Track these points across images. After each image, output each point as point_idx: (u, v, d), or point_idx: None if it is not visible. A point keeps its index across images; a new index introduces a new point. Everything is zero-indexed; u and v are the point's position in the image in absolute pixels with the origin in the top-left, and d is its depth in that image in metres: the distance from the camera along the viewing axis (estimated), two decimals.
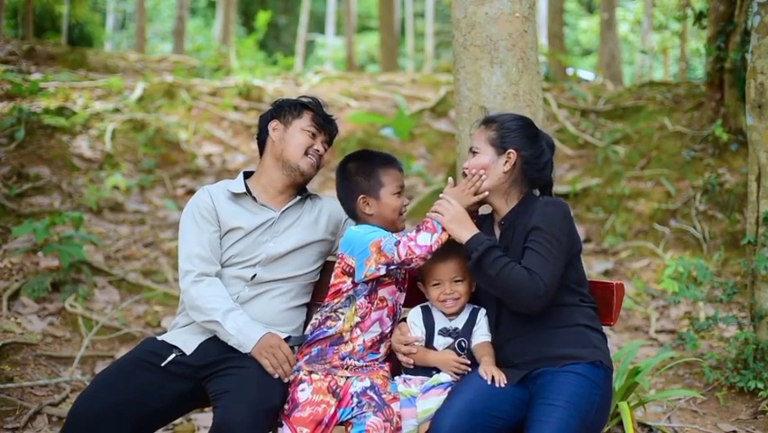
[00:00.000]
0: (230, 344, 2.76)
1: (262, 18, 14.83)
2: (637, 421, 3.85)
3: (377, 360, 2.80)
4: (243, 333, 2.75)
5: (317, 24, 27.74)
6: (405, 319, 2.85)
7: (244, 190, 2.97)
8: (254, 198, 2.97)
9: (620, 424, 3.63)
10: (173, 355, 2.79)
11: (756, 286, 4.11)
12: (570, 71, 13.86)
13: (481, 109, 3.53)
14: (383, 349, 2.82)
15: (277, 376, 2.69)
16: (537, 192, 2.87)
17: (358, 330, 2.75)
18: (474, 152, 2.80)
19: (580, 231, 7.18)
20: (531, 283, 2.56)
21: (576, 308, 2.72)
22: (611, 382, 2.72)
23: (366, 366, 2.77)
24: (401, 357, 2.76)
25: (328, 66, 21.17)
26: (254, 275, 2.89)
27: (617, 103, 9.40)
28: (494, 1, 3.48)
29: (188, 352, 2.80)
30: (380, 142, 9.60)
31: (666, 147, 7.76)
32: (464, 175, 2.83)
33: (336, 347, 2.75)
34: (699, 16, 7.48)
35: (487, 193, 2.77)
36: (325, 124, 3.03)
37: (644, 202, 7.17)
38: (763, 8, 4.04)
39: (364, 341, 2.76)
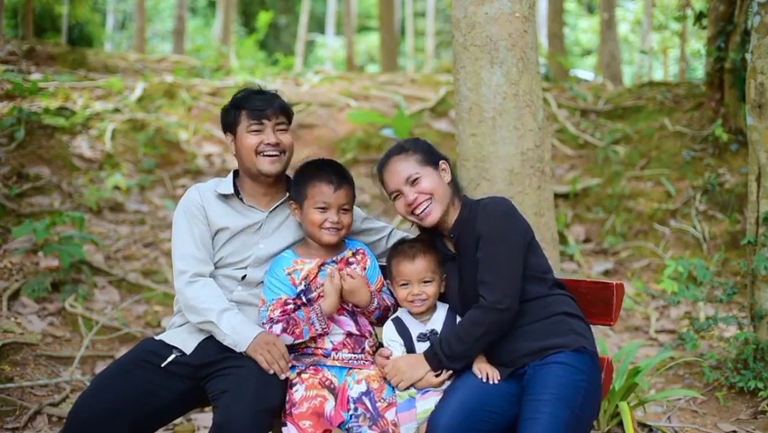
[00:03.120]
0: (225, 343, 2.76)
1: (263, 18, 14.84)
2: (637, 421, 3.85)
3: (363, 357, 2.81)
4: (238, 332, 2.74)
5: (317, 24, 27.74)
6: (382, 344, 2.84)
7: (232, 191, 2.95)
8: (242, 199, 2.95)
9: (620, 424, 3.64)
10: (173, 356, 2.79)
11: (756, 286, 4.11)
12: (570, 71, 13.85)
13: (481, 109, 3.53)
14: (367, 346, 2.83)
15: (272, 372, 2.69)
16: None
17: (318, 337, 2.78)
18: (415, 180, 2.75)
19: (581, 231, 7.17)
20: (483, 309, 2.61)
21: (550, 297, 2.73)
22: (598, 366, 2.71)
23: (355, 359, 2.79)
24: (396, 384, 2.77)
25: (328, 66, 21.18)
26: (245, 276, 2.90)
27: (617, 103, 9.40)
28: (494, 1, 3.48)
29: (188, 351, 2.80)
30: (380, 142, 9.60)
31: (666, 147, 7.76)
32: (413, 209, 2.78)
33: (312, 349, 2.79)
34: (699, 16, 7.48)
35: None
36: (264, 109, 2.88)
37: (644, 202, 7.16)
38: (763, 8, 4.04)
39: (332, 342, 2.78)
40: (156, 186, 8.11)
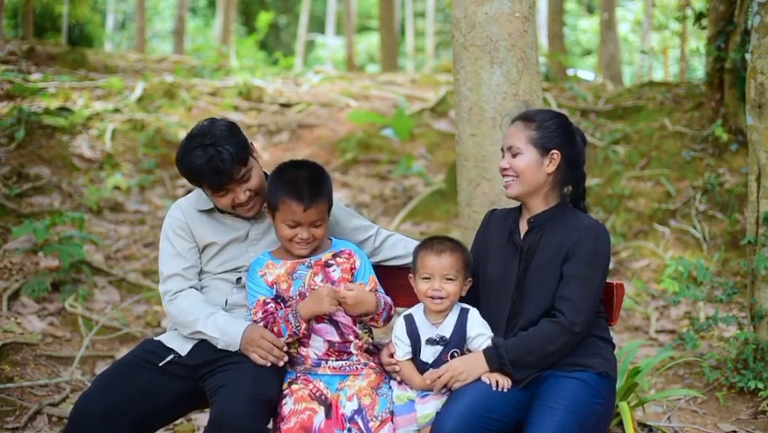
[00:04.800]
0: (219, 347, 2.76)
1: (264, 19, 14.85)
2: (637, 421, 3.85)
3: (354, 362, 2.76)
4: (227, 333, 2.74)
5: (317, 24, 27.72)
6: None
7: (212, 206, 2.91)
8: (223, 211, 2.91)
9: (620, 424, 3.63)
10: (171, 356, 2.80)
11: (756, 286, 4.10)
12: (570, 71, 13.85)
13: (481, 109, 3.53)
14: (354, 350, 2.76)
15: (270, 364, 2.67)
16: (567, 189, 2.84)
17: (302, 347, 2.76)
18: (515, 153, 2.72)
19: None
20: (561, 327, 2.59)
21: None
22: (614, 392, 2.73)
23: (347, 366, 2.75)
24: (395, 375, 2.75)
25: (328, 66, 21.17)
26: (239, 278, 2.89)
27: (617, 103, 9.40)
28: (494, 1, 3.48)
29: (183, 353, 2.81)
30: (380, 142, 9.60)
31: (666, 147, 7.76)
32: (502, 174, 2.77)
33: (302, 357, 2.77)
34: (699, 16, 7.48)
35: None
36: (223, 183, 2.73)
37: (644, 202, 7.16)
38: (763, 8, 4.04)
39: (316, 354, 2.75)
40: (156, 186, 8.11)
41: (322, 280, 2.75)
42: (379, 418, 2.64)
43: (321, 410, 2.64)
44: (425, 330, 2.71)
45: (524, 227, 2.79)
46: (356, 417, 2.63)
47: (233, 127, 2.82)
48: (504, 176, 2.77)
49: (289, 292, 2.75)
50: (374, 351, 2.83)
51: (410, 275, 2.78)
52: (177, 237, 2.88)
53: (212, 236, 2.89)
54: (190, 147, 2.76)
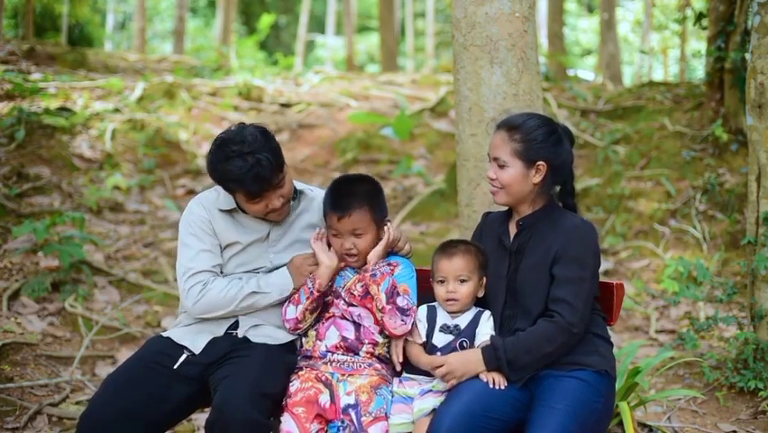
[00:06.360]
0: (273, 299, 2.81)
1: (265, 21, 14.85)
2: (637, 421, 3.85)
3: (358, 361, 2.79)
4: (272, 284, 2.82)
5: (317, 24, 27.71)
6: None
7: (234, 206, 2.90)
8: (245, 211, 2.90)
9: (620, 424, 3.63)
10: (184, 356, 2.79)
11: (756, 286, 4.10)
12: (570, 71, 13.85)
13: (481, 109, 3.53)
14: (363, 353, 2.80)
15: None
16: (558, 187, 2.84)
17: (318, 341, 2.82)
18: (501, 165, 2.71)
19: None
20: (558, 327, 2.59)
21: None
22: (614, 391, 2.73)
23: (351, 363, 2.78)
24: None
25: (328, 66, 21.17)
26: None
27: (617, 103, 9.40)
28: (494, 1, 3.48)
29: (197, 351, 2.80)
30: (380, 142, 9.60)
31: (666, 147, 7.76)
32: (489, 183, 2.79)
33: (310, 351, 2.83)
34: (699, 17, 7.48)
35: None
36: (263, 189, 2.73)
37: (644, 202, 7.16)
38: (763, 8, 4.04)
39: (326, 346, 2.79)
40: (156, 186, 8.11)
41: (362, 287, 2.79)
42: (373, 414, 2.66)
43: (326, 391, 2.70)
44: (442, 318, 2.77)
45: (513, 229, 2.82)
46: (350, 410, 2.67)
47: (266, 133, 2.79)
48: (491, 184, 2.79)
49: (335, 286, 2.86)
50: (385, 359, 2.86)
51: (431, 279, 2.83)
52: (204, 234, 2.86)
53: (234, 236, 2.88)
54: (228, 156, 2.71)
